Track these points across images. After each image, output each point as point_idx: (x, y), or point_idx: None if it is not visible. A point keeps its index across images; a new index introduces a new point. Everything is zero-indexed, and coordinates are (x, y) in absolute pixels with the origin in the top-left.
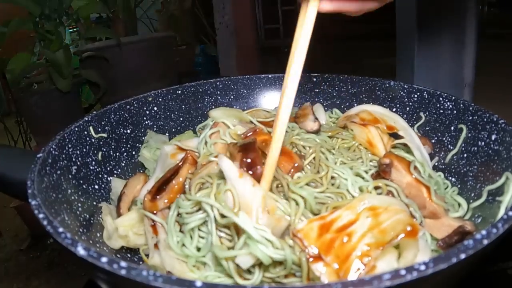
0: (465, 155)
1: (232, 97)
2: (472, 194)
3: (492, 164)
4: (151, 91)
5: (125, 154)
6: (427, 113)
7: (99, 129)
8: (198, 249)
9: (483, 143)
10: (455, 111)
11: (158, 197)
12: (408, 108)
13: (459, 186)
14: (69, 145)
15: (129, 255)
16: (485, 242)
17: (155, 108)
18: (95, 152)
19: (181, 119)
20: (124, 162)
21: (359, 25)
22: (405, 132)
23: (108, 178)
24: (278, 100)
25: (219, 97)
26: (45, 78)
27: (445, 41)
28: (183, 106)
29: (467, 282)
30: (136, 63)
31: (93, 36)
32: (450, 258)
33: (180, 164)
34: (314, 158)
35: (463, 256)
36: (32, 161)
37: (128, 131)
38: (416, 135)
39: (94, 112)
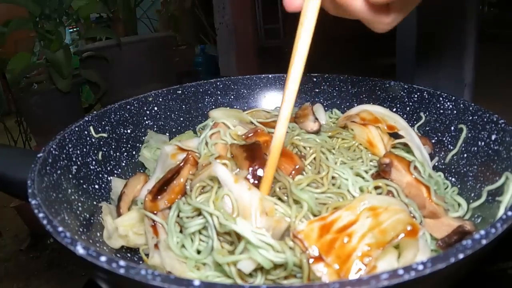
0: (465, 155)
1: (232, 97)
2: (472, 194)
3: (492, 164)
4: (151, 91)
5: (125, 154)
6: (427, 113)
7: (100, 129)
8: (198, 252)
9: (483, 143)
10: (455, 111)
11: (158, 197)
12: (408, 108)
13: (459, 186)
14: (69, 145)
15: (129, 254)
16: (484, 242)
17: (155, 108)
18: (96, 152)
19: (181, 119)
20: (124, 162)
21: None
22: (405, 132)
23: (108, 178)
24: (278, 100)
25: (219, 97)
26: (45, 78)
27: (445, 41)
28: (183, 106)
29: (467, 282)
30: (136, 63)
31: (93, 36)
32: (448, 258)
33: (181, 164)
34: (314, 158)
35: (461, 256)
36: (32, 161)
37: (129, 131)
38: (416, 135)
39: (94, 112)
